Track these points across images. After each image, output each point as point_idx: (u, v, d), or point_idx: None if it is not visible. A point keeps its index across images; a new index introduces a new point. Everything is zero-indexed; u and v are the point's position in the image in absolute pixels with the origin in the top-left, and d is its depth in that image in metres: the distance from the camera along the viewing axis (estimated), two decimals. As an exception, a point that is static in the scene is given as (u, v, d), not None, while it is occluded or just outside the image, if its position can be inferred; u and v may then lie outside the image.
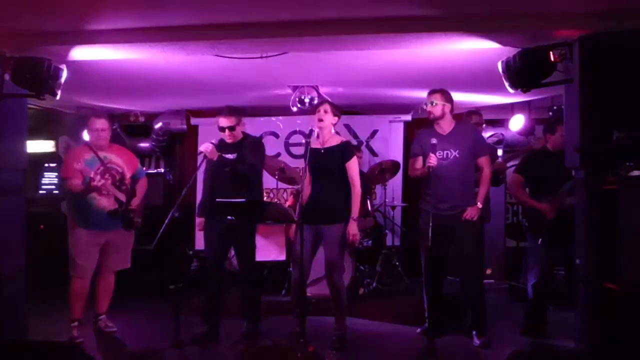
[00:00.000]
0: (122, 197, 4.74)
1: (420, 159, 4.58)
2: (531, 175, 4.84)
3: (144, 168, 7.70)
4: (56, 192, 6.85)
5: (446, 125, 4.54)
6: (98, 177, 4.60)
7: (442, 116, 4.49)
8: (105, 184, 4.61)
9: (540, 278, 4.73)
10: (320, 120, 4.37)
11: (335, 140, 4.47)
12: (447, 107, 4.49)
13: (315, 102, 5.92)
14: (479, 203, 4.48)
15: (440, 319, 4.60)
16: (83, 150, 4.82)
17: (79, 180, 4.59)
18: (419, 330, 4.78)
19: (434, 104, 4.45)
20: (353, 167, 4.41)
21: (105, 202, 4.71)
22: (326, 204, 4.36)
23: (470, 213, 4.43)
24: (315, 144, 4.43)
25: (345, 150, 4.42)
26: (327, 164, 4.38)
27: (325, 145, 4.43)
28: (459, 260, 4.63)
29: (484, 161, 4.56)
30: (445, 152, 4.47)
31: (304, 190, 4.46)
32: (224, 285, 4.78)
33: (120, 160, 4.90)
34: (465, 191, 4.52)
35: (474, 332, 4.55)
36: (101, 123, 4.80)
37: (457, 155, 4.47)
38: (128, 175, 4.90)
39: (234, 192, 4.35)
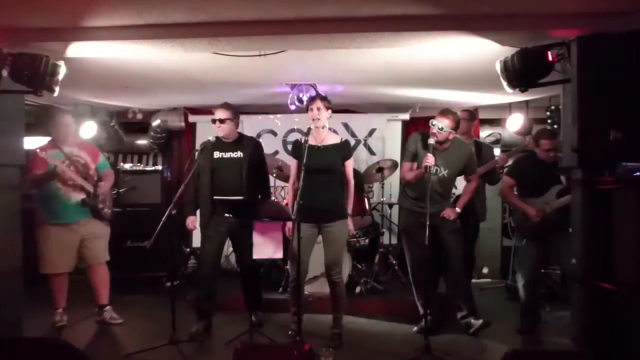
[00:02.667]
0: (89, 187, 4.83)
1: (415, 163, 4.64)
2: (520, 178, 4.89)
3: (141, 165, 7.74)
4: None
5: (444, 144, 4.58)
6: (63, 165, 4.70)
7: (444, 141, 4.55)
8: (68, 172, 4.71)
9: (528, 278, 4.79)
10: (317, 119, 4.38)
11: (333, 138, 4.49)
12: (452, 134, 4.54)
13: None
14: (457, 208, 4.67)
15: (436, 318, 4.63)
16: (47, 146, 4.91)
17: (44, 170, 4.69)
18: (415, 328, 4.80)
19: (442, 130, 4.46)
20: (351, 165, 4.51)
21: (72, 193, 4.81)
22: (327, 202, 4.37)
23: (448, 212, 4.60)
24: (311, 142, 4.39)
25: (346, 149, 4.51)
26: (327, 162, 4.38)
27: (324, 143, 4.43)
28: (443, 256, 4.67)
29: (471, 177, 4.81)
30: (435, 167, 4.50)
31: (293, 188, 4.49)
32: (218, 283, 4.86)
33: (84, 154, 5.01)
34: (445, 201, 4.74)
35: (471, 319, 4.60)
36: (67, 119, 5.01)
37: (445, 175, 4.62)
38: (92, 166, 5.01)
39: (239, 191, 4.48)
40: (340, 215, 4.42)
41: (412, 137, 4.75)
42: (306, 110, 4.51)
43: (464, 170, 4.73)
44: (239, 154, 4.70)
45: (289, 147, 7.31)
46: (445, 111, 4.53)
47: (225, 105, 4.71)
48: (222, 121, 4.64)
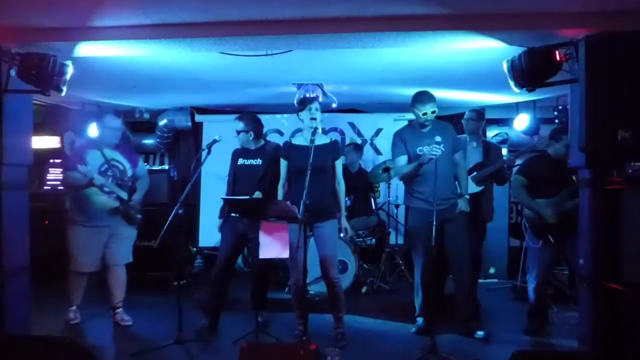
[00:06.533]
0: (123, 195, 4.84)
1: (406, 157, 4.65)
2: (533, 177, 4.86)
3: (148, 165, 7.76)
4: (61, 187, 6.88)
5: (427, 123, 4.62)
6: (99, 176, 4.74)
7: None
8: (105, 183, 4.76)
9: (540, 280, 4.76)
10: (315, 119, 4.40)
11: (323, 138, 4.53)
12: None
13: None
14: (467, 195, 4.66)
15: (435, 317, 4.58)
16: (89, 145, 4.99)
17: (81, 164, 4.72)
18: (413, 330, 4.79)
19: (435, 113, 4.53)
20: (340, 165, 4.56)
21: (106, 200, 4.84)
22: (320, 201, 4.35)
23: (464, 205, 4.60)
24: (304, 142, 4.42)
25: (336, 149, 4.56)
26: (320, 162, 4.36)
27: (316, 143, 4.43)
28: (450, 254, 4.65)
29: (459, 156, 4.73)
30: (430, 147, 4.50)
31: (284, 189, 4.55)
32: (230, 283, 4.91)
33: (123, 159, 5.03)
34: (451, 184, 4.66)
35: (475, 327, 4.57)
36: (118, 123, 5.04)
37: (443, 149, 4.50)
38: (129, 173, 5.02)
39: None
40: (331, 215, 4.45)
41: (398, 134, 4.77)
42: (300, 110, 4.51)
43: (453, 144, 4.67)
44: (259, 161, 4.83)
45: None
46: (428, 96, 4.53)
47: (240, 117, 4.84)
48: (238, 132, 4.82)
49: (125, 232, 5.00)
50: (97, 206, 4.83)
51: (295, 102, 6.06)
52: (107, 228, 4.89)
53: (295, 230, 4.19)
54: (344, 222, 4.55)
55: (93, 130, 5.82)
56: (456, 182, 4.74)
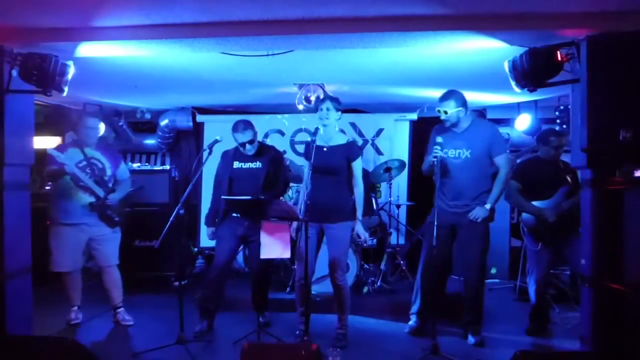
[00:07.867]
0: (99, 192, 4.87)
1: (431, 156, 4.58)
2: (527, 181, 4.84)
3: (150, 165, 7.76)
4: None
5: (462, 124, 4.50)
6: (74, 166, 4.74)
7: (458, 121, 4.46)
8: (79, 173, 4.75)
9: (541, 282, 4.77)
10: (326, 119, 4.39)
11: (340, 139, 4.48)
12: (462, 111, 4.42)
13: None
14: (488, 204, 4.44)
15: (435, 317, 4.56)
16: (68, 144, 5.03)
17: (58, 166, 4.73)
18: (406, 330, 4.78)
19: (447, 113, 4.39)
20: (358, 167, 4.44)
21: (82, 195, 4.85)
22: (331, 202, 4.35)
23: (476, 213, 4.42)
24: (319, 142, 4.40)
25: (352, 150, 4.45)
26: (333, 163, 4.37)
27: (330, 144, 4.43)
28: (461, 260, 4.64)
29: (499, 160, 4.47)
30: (457, 151, 4.45)
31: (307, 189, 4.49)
32: (227, 284, 4.90)
33: (104, 158, 5.05)
34: (476, 191, 4.48)
35: (469, 332, 4.55)
36: (93, 122, 5.05)
37: (469, 156, 4.45)
38: (109, 172, 5.03)
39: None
40: (343, 217, 4.39)
41: (433, 131, 4.69)
42: (315, 110, 4.51)
43: (489, 149, 4.45)
44: (258, 164, 4.76)
45: (297, 147, 7.32)
46: (445, 94, 4.43)
47: (245, 127, 4.68)
48: (251, 142, 4.70)
49: (108, 232, 4.99)
50: (73, 201, 4.82)
51: (296, 102, 6.08)
52: (85, 227, 4.87)
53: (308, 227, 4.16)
54: (358, 227, 4.41)
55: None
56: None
